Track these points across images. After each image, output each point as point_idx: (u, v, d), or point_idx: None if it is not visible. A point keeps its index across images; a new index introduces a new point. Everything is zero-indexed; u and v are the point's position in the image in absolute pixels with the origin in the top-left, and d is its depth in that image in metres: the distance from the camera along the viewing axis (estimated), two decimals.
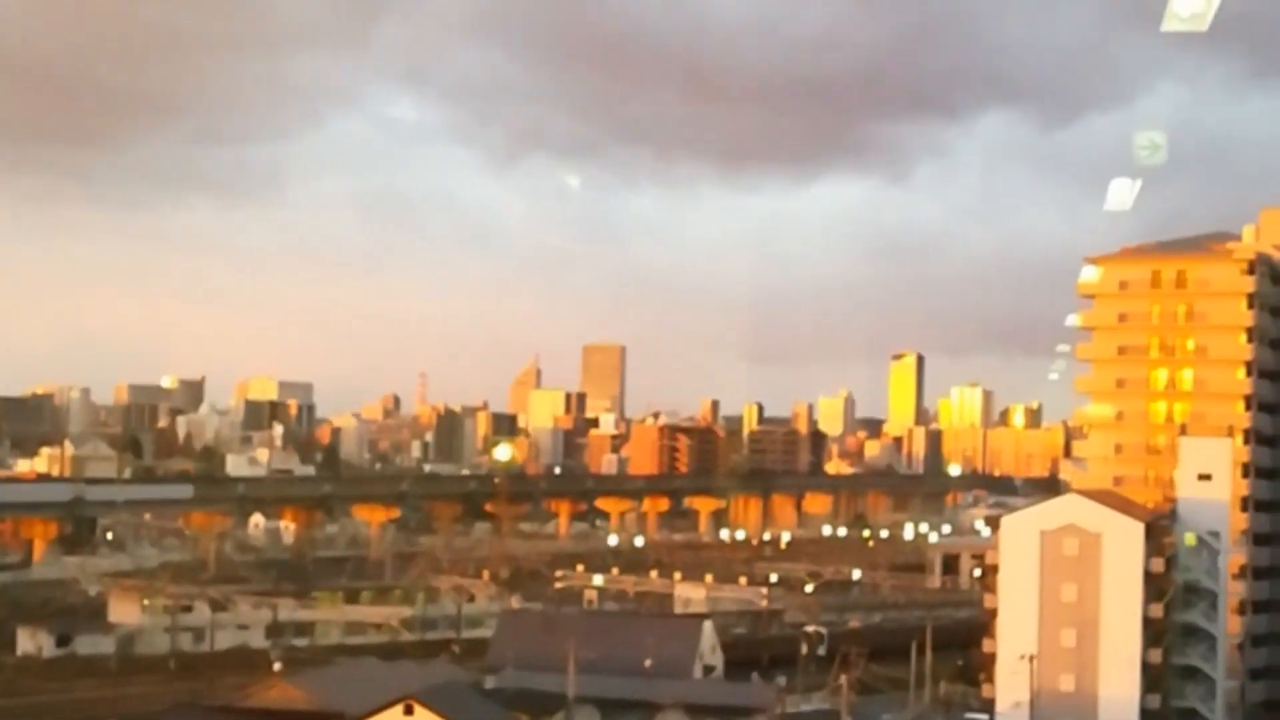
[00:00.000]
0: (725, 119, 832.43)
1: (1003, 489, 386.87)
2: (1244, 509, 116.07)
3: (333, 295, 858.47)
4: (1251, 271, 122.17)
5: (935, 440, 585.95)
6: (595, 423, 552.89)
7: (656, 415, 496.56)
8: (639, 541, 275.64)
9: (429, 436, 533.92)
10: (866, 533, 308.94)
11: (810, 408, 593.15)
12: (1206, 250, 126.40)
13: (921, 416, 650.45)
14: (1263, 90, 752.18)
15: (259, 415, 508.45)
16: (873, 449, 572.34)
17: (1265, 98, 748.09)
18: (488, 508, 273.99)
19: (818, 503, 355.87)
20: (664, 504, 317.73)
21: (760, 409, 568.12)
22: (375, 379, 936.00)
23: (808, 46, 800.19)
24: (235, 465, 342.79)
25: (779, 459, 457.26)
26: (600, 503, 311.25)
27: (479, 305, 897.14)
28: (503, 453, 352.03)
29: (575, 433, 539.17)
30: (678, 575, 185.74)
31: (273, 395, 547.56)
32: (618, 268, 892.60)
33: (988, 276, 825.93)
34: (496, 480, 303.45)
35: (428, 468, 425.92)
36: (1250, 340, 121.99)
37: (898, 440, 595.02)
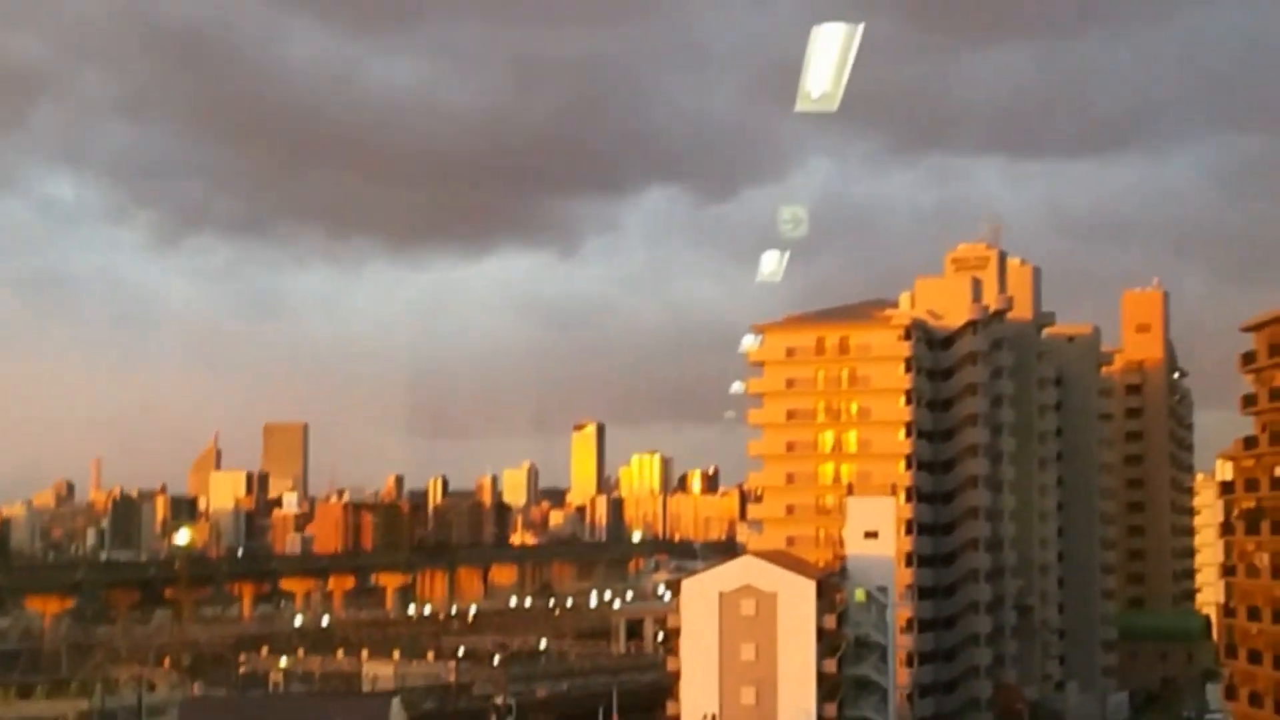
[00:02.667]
0: (395, 195, 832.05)
1: (683, 553, 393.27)
2: (908, 564, 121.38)
3: None
4: (908, 337, 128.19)
5: (617, 508, 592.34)
6: (278, 502, 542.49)
7: (340, 493, 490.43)
8: (325, 621, 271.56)
9: (104, 523, 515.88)
10: (552, 602, 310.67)
11: (494, 480, 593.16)
12: (866, 317, 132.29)
13: (604, 485, 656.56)
14: (902, 164, 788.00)
15: None
16: (557, 519, 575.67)
17: (904, 170, 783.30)
18: (168, 594, 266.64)
19: (504, 574, 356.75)
20: (349, 582, 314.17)
21: (445, 483, 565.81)
22: (47, 466, 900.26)
23: (476, 123, 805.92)
24: None
25: (465, 532, 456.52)
26: (285, 583, 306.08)
27: (151, 388, 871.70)
28: (182, 537, 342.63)
29: (258, 513, 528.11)
30: (365, 653, 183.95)
31: None
32: (293, 346, 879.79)
33: (658, 346, 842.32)
34: (176, 565, 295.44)
35: (104, 555, 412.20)
36: (909, 402, 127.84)
37: (581, 509, 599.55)
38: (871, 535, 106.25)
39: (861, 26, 23.84)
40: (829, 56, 24.45)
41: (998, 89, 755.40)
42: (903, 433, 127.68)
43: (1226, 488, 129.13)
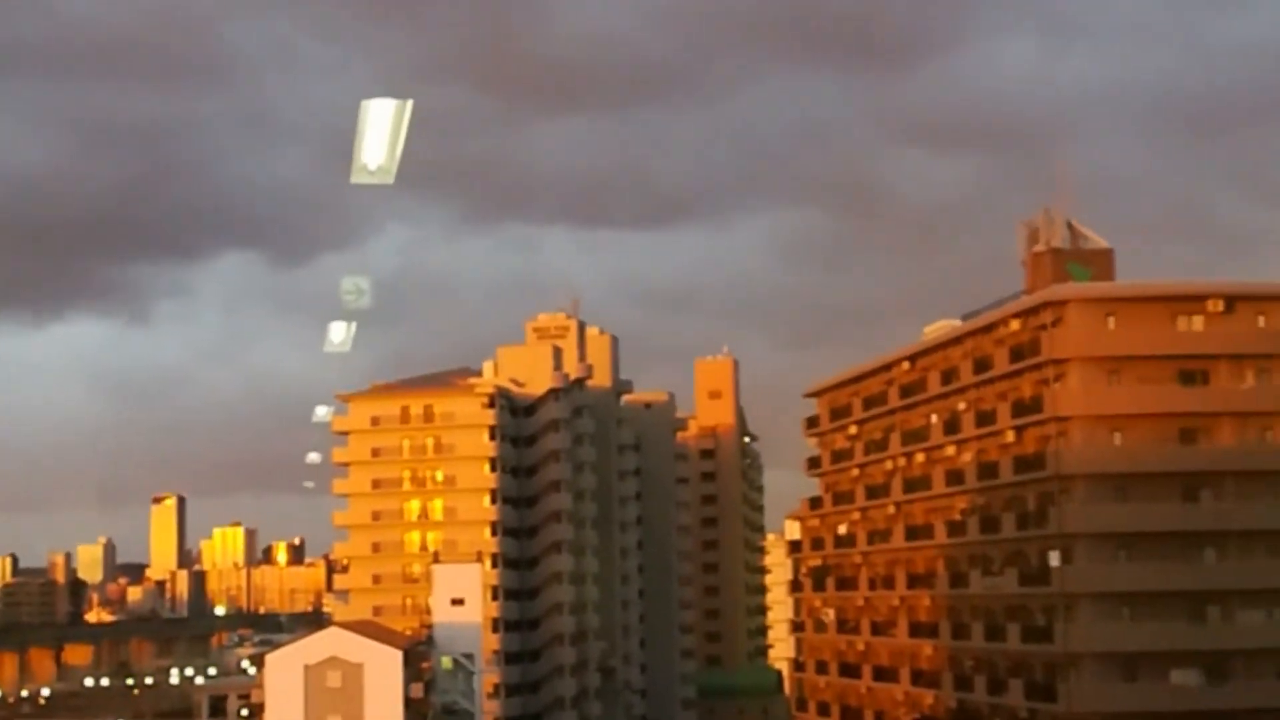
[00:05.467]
0: None
1: (269, 626, 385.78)
2: (495, 630, 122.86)
3: None
4: (492, 405, 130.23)
5: (200, 581, 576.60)
6: None
7: None
8: None
9: None
10: (131, 680, 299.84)
11: (68, 556, 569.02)
12: (450, 385, 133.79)
13: (185, 559, 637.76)
14: (478, 232, 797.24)
15: None
16: (136, 594, 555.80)
17: (480, 239, 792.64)
18: None
19: (79, 653, 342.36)
20: None
21: (14, 560, 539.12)
22: None
23: (38, 186, 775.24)
24: None
25: (36, 611, 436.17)
26: None
27: None
28: None
29: None
30: None
31: None
32: None
33: (237, 415, 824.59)
34: None
35: None
36: (494, 469, 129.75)
37: (161, 584, 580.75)
38: (458, 602, 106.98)
39: (411, 102, 24.68)
40: (381, 130, 25.11)
41: (567, 160, 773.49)
42: (488, 499, 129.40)
43: (794, 546, 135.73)
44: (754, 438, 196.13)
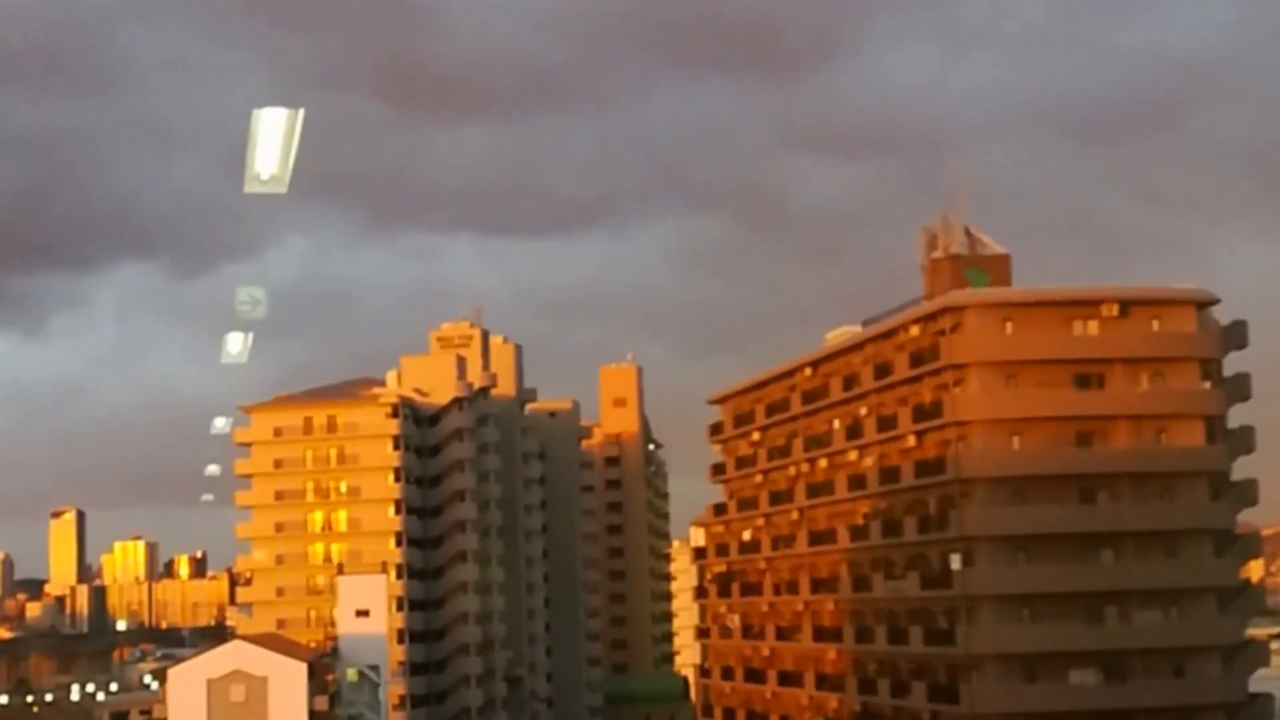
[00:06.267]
0: None
1: (172, 641, 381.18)
2: (400, 641, 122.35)
3: None
4: (396, 414, 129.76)
5: (100, 596, 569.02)
6: None
7: None
8: None
9: None
10: (30, 698, 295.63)
11: None
12: (354, 396, 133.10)
13: (85, 574, 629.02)
14: (377, 242, 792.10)
15: None
16: (34, 610, 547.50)
17: (380, 248, 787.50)
18: None
19: None
20: None
21: None
22: None
23: None
24: None
25: None
26: None
27: None
28: None
29: None
30: None
31: None
32: None
33: (135, 427, 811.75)
34: None
35: None
36: (398, 480, 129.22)
37: (61, 599, 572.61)
38: (363, 614, 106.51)
39: (303, 111, 24.54)
40: (274, 140, 24.93)
41: (467, 168, 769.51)
42: (392, 510, 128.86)
43: (699, 553, 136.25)
44: (659, 445, 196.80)
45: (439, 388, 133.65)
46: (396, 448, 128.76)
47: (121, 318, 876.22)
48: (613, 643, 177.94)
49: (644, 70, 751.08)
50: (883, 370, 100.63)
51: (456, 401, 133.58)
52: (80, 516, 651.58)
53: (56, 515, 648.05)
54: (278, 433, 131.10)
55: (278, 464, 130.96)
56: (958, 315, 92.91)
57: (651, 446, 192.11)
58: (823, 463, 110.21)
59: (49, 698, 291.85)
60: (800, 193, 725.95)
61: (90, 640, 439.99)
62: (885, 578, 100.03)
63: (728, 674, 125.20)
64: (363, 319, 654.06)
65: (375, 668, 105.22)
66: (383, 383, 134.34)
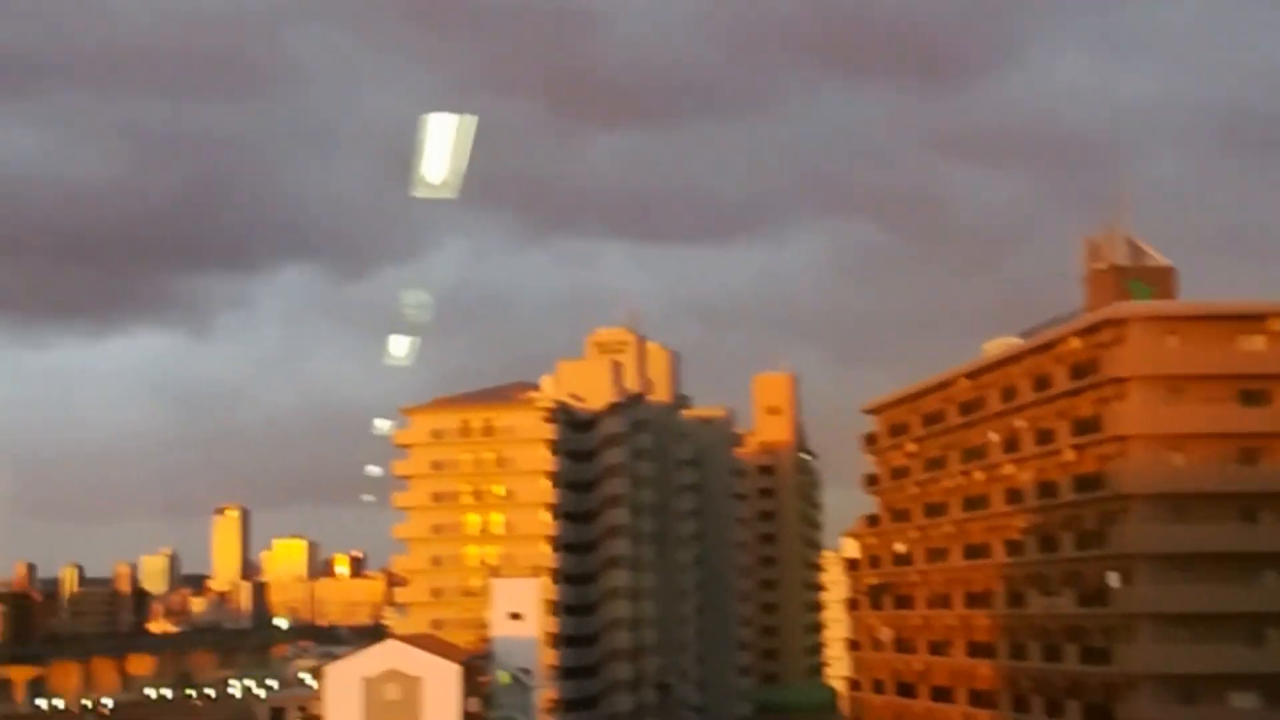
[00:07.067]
0: (14, 273, 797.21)
1: (329, 638, 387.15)
2: (552, 645, 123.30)
3: None
4: (552, 419, 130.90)
5: (262, 593, 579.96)
6: None
7: None
8: None
9: None
10: (193, 691, 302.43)
11: (133, 567, 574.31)
12: (511, 400, 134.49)
13: (248, 570, 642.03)
14: (534, 247, 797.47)
15: None
16: (199, 605, 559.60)
17: (536, 253, 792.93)
18: None
19: (142, 664, 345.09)
20: None
21: (81, 570, 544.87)
22: None
23: (99, 198, 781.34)
24: None
25: (101, 621, 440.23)
26: None
27: None
28: None
29: None
30: None
31: None
32: None
33: (297, 427, 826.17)
34: None
35: None
36: (553, 484, 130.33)
37: (224, 595, 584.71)
38: (516, 617, 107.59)
39: (475, 118, 24.80)
40: (444, 145, 25.20)
41: (623, 173, 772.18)
42: (547, 514, 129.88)
43: (852, 564, 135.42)
44: (812, 454, 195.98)
45: (594, 393, 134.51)
46: (552, 452, 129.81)
47: (285, 319, 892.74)
48: (763, 652, 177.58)
49: (801, 76, 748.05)
50: (1042, 383, 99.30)
51: (612, 407, 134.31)
52: (245, 514, 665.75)
53: (220, 513, 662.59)
54: (436, 435, 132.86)
55: (435, 466, 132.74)
56: (1120, 328, 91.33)
57: (805, 455, 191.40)
58: (979, 475, 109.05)
59: (210, 691, 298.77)
60: (957, 201, 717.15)
61: (251, 636, 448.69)
62: (1041, 594, 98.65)
63: (879, 687, 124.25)
64: (518, 323, 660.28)
65: (527, 671, 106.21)
66: (538, 387, 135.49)
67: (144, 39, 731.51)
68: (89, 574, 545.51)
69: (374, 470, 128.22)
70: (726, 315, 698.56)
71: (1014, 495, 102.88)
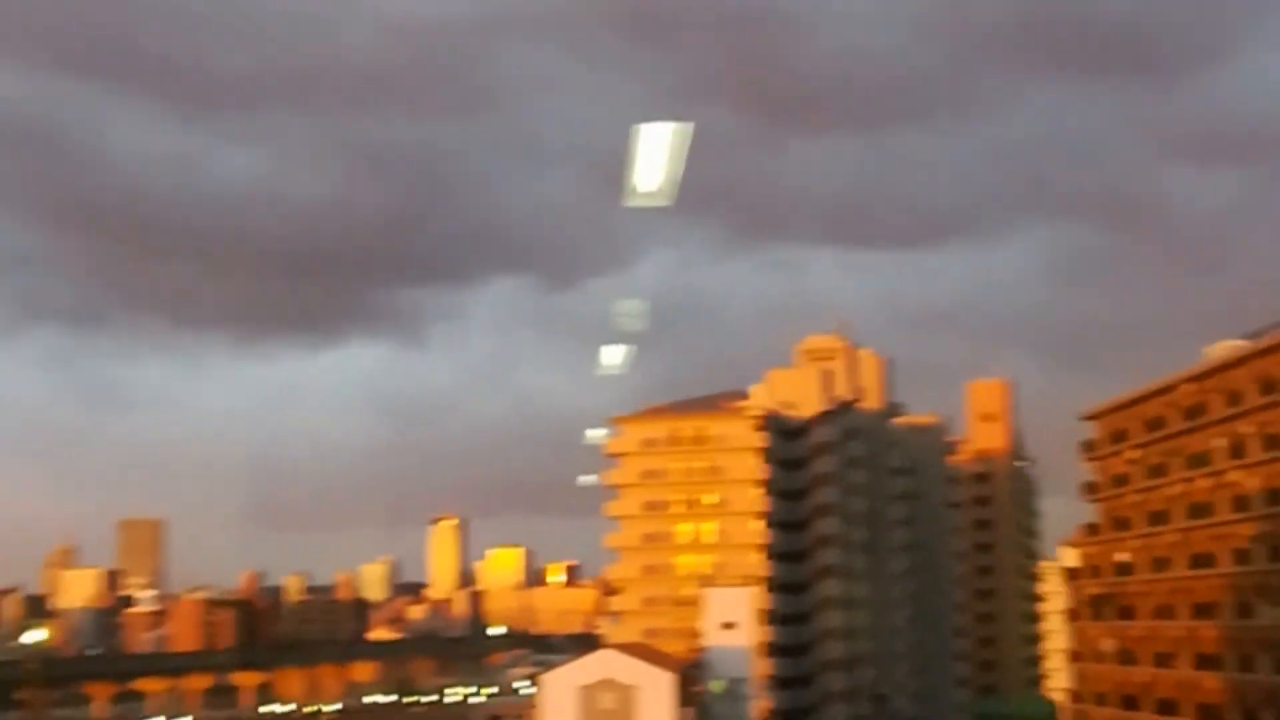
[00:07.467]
0: (237, 286, 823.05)
1: (544, 647, 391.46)
2: (766, 654, 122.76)
3: None
4: (763, 427, 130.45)
5: (478, 601, 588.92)
6: (132, 600, 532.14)
7: (196, 590, 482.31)
8: None
9: None
10: (411, 698, 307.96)
11: (354, 575, 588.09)
12: (721, 409, 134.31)
13: (464, 579, 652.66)
14: (740, 254, 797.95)
15: None
16: (417, 613, 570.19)
17: (742, 261, 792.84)
18: (19, 694, 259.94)
19: (363, 670, 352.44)
20: (206, 681, 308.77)
21: (304, 578, 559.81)
22: None
23: (317, 213, 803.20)
24: None
25: (323, 628, 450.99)
26: (139, 683, 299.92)
27: None
28: (34, 636, 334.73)
29: (112, 611, 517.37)
30: None
31: None
32: (138, 439, 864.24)
33: (508, 437, 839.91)
34: (28, 665, 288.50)
35: None
36: (765, 493, 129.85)
37: (441, 603, 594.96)
38: (729, 626, 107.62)
39: (690, 126, 24.60)
40: (656, 154, 25.16)
41: (828, 180, 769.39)
42: (759, 523, 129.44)
43: (1071, 574, 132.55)
44: (1029, 461, 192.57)
45: (805, 401, 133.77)
46: (763, 460, 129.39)
47: (496, 330, 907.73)
48: (980, 664, 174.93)
49: (1012, 78, 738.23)
50: (1268, 386, 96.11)
51: (823, 415, 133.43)
52: (461, 523, 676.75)
53: (436, 522, 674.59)
54: (646, 444, 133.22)
55: (646, 475, 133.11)
56: None
57: (1021, 463, 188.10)
58: (1203, 482, 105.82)
59: (429, 698, 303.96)
60: (1176, 202, 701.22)
61: (467, 644, 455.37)
62: (1270, 605, 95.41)
63: (1101, 700, 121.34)
64: (725, 331, 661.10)
65: (741, 680, 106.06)
66: (747, 395, 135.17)
67: (360, 59, 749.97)
68: (313, 582, 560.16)
69: (586, 480, 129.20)
70: (938, 321, 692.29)
71: (1240, 502, 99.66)
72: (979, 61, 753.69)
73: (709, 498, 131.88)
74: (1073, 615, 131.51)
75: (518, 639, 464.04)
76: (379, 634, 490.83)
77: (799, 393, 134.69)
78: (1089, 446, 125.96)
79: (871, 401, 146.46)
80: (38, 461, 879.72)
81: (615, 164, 25.40)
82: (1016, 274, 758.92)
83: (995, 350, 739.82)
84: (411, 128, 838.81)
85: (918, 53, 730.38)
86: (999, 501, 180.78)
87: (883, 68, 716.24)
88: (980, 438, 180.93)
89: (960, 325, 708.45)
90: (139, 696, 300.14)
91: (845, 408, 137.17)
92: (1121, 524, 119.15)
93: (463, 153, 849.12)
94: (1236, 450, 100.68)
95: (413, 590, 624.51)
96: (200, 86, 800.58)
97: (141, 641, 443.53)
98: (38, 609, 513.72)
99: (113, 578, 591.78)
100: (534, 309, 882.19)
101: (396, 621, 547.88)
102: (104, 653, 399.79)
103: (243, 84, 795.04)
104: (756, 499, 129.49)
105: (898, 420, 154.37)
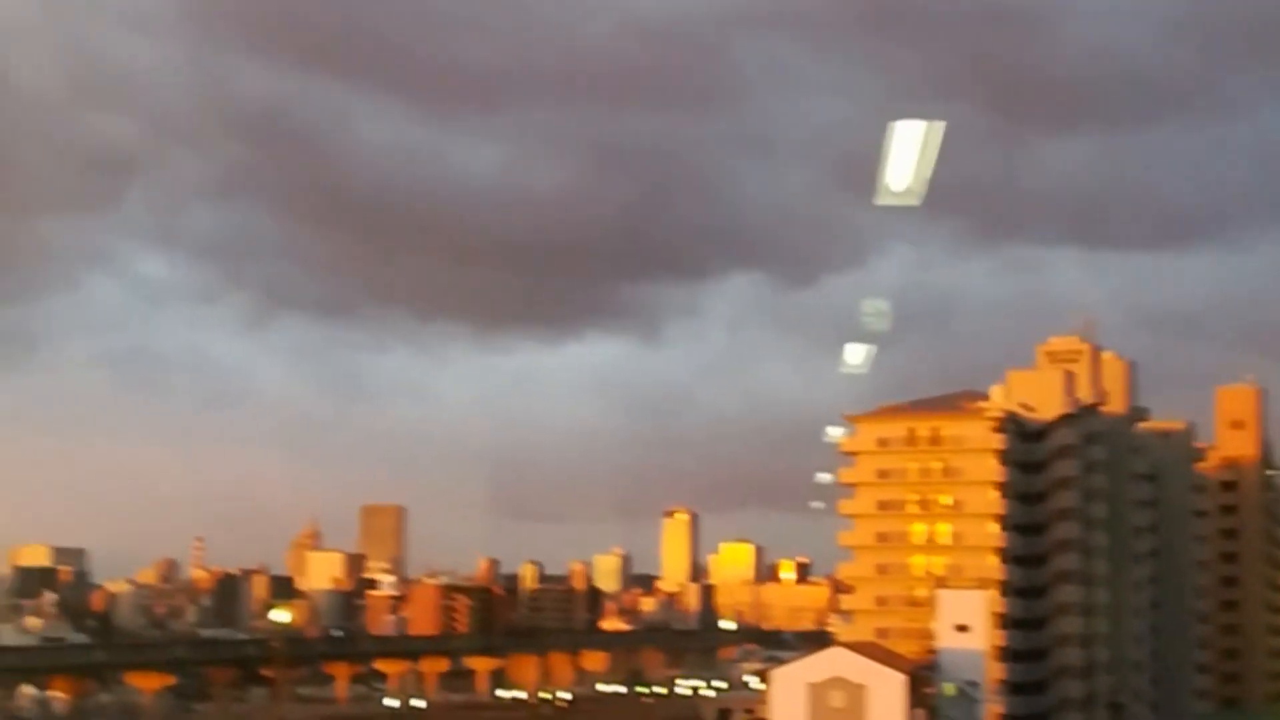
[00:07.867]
0: (478, 279, 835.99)
1: (774, 643, 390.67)
2: (1000, 659, 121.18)
3: (95, 460, 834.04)
4: (1001, 429, 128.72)
5: (709, 595, 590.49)
6: (374, 583, 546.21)
7: (435, 575, 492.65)
8: (417, 702, 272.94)
9: (205, 601, 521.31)
10: (643, 689, 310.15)
11: (587, 565, 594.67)
12: (959, 409, 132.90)
13: (695, 572, 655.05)
14: (980, 254, 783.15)
15: (31, 583, 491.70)
16: (648, 605, 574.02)
17: (982, 260, 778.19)
18: (265, 672, 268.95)
19: (595, 660, 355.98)
20: (443, 664, 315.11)
21: (539, 567, 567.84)
22: (149, 544, 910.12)
23: (557, 208, 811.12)
24: (5, 634, 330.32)
25: (557, 617, 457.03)
26: (379, 664, 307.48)
27: (245, 467, 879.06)
28: (280, 616, 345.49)
29: (354, 594, 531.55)
30: None
31: (45, 562, 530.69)
32: (381, 427, 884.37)
33: (742, 433, 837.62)
34: (273, 644, 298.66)
35: (205, 632, 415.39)
36: (1002, 495, 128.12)
37: (672, 596, 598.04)
38: (962, 629, 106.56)
39: (942, 125, 24.51)
40: (909, 152, 25.17)
41: (1071, 179, 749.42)
42: (995, 525, 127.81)
43: None
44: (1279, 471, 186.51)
45: (1045, 403, 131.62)
46: (1001, 462, 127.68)
47: (731, 326, 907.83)
48: (1223, 676, 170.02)
49: (1261, 74, 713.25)
50: None
51: (1064, 418, 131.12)
52: (693, 517, 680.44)
53: (670, 515, 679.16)
54: (882, 443, 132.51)
55: (881, 474, 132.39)
56: None
57: (1272, 472, 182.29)
58: None
59: (659, 690, 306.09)
60: None
61: (698, 637, 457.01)
62: None
63: None
64: (963, 331, 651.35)
65: (974, 684, 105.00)
66: (985, 396, 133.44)
67: (600, 55, 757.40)
68: (547, 571, 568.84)
69: (823, 477, 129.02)
70: (1184, 325, 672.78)
71: None
72: (1233, 58, 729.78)
73: (944, 498, 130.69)
74: None
75: (748, 634, 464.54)
76: (611, 624, 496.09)
77: (1040, 395, 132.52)
78: None
79: (1115, 405, 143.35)
80: (286, 448, 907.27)
81: (855, 160, 25.57)
82: (1268, 278, 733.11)
83: (1244, 356, 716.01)
84: (650, 123, 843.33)
85: (1168, 49, 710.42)
86: (1247, 510, 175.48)
87: (1131, 65, 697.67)
88: (1229, 445, 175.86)
89: (1206, 330, 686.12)
90: (379, 677, 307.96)
91: (1088, 411, 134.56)
92: None
93: (701, 148, 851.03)
94: None
95: (644, 582, 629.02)
96: (445, 83, 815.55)
97: (382, 624, 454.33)
98: (283, 589, 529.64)
99: (355, 561, 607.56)
100: (770, 305, 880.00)
101: (628, 613, 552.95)
102: (346, 634, 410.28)
103: (486, 80, 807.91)
104: (993, 501, 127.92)
105: (1142, 425, 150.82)
